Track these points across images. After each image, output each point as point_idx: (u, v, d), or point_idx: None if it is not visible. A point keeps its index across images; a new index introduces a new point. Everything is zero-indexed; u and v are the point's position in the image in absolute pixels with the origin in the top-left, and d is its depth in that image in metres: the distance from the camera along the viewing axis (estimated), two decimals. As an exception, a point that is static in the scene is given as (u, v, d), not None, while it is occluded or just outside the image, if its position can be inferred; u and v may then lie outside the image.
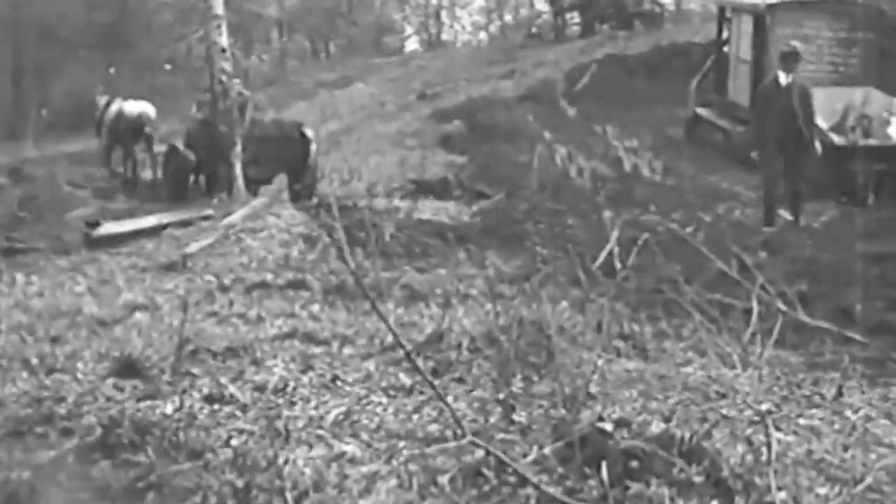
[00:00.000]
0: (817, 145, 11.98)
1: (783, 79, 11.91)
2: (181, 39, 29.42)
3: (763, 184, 12.32)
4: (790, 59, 12.02)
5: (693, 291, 6.29)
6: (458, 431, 4.79)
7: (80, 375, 6.68)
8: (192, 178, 15.92)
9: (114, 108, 17.18)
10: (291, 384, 6.23)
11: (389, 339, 6.68)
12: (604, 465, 4.43)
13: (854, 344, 6.96)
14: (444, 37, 40.91)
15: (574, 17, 29.94)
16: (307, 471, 4.80)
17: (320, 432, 5.38)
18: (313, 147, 15.27)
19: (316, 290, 9.23)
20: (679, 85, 18.35)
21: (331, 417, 5.62)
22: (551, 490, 4.36)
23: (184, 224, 13.32)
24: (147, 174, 16.97)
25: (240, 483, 4.65)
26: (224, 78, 16.18)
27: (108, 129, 17.17)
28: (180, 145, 16.18)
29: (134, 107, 17.08)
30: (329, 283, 9.32)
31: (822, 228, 11.73)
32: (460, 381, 6.18)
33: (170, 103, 28.30)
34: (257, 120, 16.06)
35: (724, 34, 18.14)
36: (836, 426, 5.36)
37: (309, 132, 15.62)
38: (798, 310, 6.82)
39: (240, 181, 15.90)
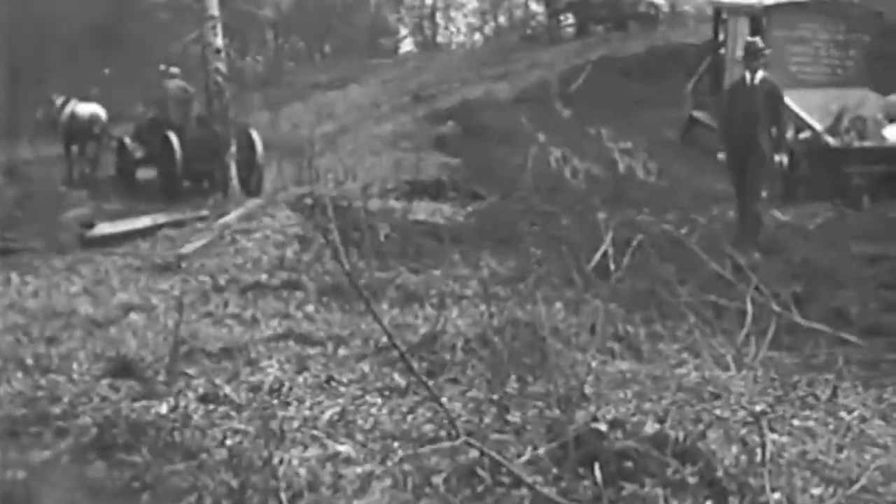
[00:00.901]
0: (777, 156, 11.18)
1: (749, 78, 11.25)
2: (176, 40, 29.38)
3: (735, 191, 11.48)
4: (752, 56, 11.38)
5: (687, 293, 6.30)
6: (453, 432, 4.80)
7: (75, 376, 6.68)
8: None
9: (67, 109, 18.18)
10: (286, 385, 6.23)
11: (384, 339, 6.68)
12: (598, 465, 4.44)
13: (848, 345, 6.98)
14: (439, 38, 40.88)
15: (568, 19, 29.91)
16: (302, 471, 4.80)
17: (315, 433, 5.38)
18: (259, 145, 16.28)
19: (311, 291, 9.24)
20: (674, 86, 18.35)
21: (325, 418, 5.62)
22: (545, 490, 4.37)
23: (179, 225, 13.34)
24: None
25: (235, 483, 4.65)
26: (219, 78, 16.25)
27: (62, 129, 18.22)
28: (128, 141, 17.23)
29: (85, 108, 18.03)
30: (324, 283, 9.33)
31: (816, 230, 11.73)
32: (455, 381, 6.18)
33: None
34: (203, 117, 16.78)
35: (720, 36, 18.15)
36: (831, 427, 5.37)
37: (254, 131, 16.61)
38: (792, 311, 6.85)
39: (234, 182, 15.97)
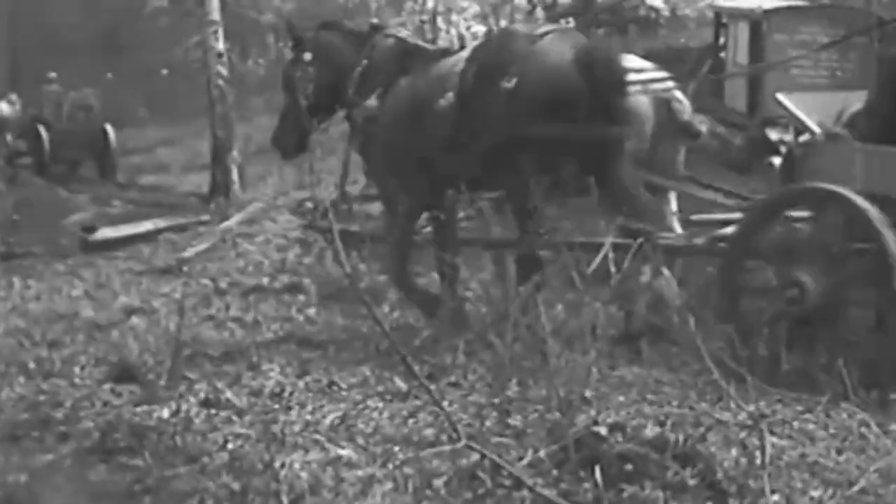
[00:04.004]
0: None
1: None
2: (178, 45, 29.41)
3: None
4: None
5: (687, 294, 6.29)
6: (454, 435, 4.81)
7: (77, 380, 6.71)
8: None
9: None
10: (288, 388, 6.25)
11: (385, 343, 6.70)
12: (598, 468, 4.45)
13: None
14: (440, 43, 40.91)
15: (569, 23, 29.91)
16: (303, 474, 4.81)
17: (317, 436, 5.39)
18: (112, 137, 20.70)
19: (312, 294, 9.25)
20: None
21: (327, 422, 5.63)
22: (546, 493, 4.38)
23: (180, 228, 13.37)
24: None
25: (236, 487, 4.66)
26: (221, 82, 16.30)
27: None
28: (9, 137, 20.61)
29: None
30: (325, 287, 9.34)
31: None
32: (456, 385, 6.19)
33: (167, 108, 28.31)
34: (74, 114, 21.32)
35: (721, 40, 18.13)
36: (831, 430, 5.37)
37: (108, 127, 20.89)
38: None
39: (236, 186, 16.02)
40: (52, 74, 21.82)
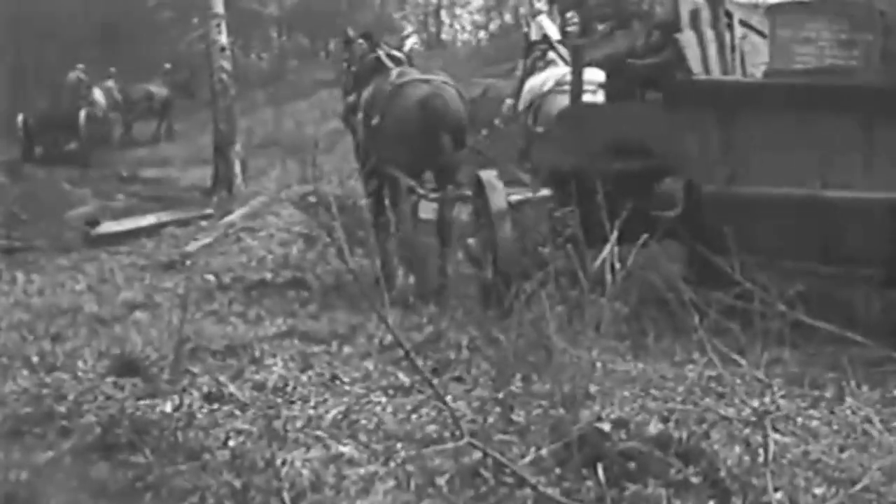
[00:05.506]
0: None
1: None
2: (181, 38, 29.43)
3: None
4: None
5: (692, 290, 6.27)
6: (457, 432, 4.79)
7: (79, 374, 6.69)
8: None
9: None
10: (290, 383, 6.24)
11: (388, 338, 6.69)
12: (601, 466, 4.44)
13: (854, 344, 6.94)
14: (444, 36, 40.89)
15: (573, 17, 29.84)
16: (305, 472, 4.80)
17: (319, 433, 5.38)
18: (82, 122, 22.86)
19: (315, 289, 9.25)
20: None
21: (329, 417, 5.62)
22: (549, 491, 4.37)
23: (183, 223, 13.38)
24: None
25: (238, 484, 4.65)
26: (223, 76, 16.30)
27: None
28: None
29: None
30: (328, 282, 9.34)
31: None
32: (459, 380, 6.19)
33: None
34: (76, 100, 23.26)
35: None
36: (834, 427, 5.36)
37: (82, 113, 23.08)
38: (798, 309, 6.80)
39: (239, 180, 16.03)
40: (80, 65, 23.75)
